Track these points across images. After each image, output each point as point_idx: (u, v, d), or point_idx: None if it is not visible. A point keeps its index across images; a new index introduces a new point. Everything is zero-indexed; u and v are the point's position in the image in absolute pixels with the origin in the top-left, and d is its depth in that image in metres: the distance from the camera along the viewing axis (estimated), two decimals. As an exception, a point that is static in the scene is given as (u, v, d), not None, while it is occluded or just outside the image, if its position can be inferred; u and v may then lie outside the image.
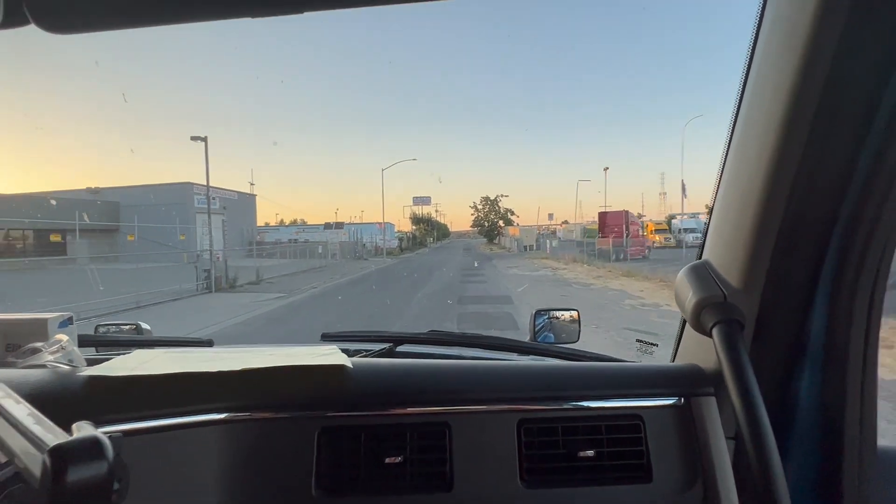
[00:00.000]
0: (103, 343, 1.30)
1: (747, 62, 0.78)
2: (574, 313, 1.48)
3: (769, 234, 0.77)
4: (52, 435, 0.41)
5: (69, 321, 1.02)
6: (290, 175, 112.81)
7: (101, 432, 0.41)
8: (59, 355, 0.90)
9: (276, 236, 37.02)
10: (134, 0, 0.49)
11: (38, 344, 0.92)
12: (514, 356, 1.27)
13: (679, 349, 1.04)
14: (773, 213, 0.76)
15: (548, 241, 33.00)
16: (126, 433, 0.73)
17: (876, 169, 0.70)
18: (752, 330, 0.84)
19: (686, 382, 0.92)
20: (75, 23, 0.50)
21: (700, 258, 0.92)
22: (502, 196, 74.21)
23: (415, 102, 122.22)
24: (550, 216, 32.67)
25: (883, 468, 0.81)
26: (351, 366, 0.90)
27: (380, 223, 39.80)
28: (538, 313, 1.47)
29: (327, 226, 38.96)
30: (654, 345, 1.59)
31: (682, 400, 0.90)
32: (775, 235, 0.77)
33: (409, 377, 0.92)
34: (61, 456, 0.38)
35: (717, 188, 0.88)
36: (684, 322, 0.98)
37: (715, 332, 0.78)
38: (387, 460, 0.84)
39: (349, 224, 44.03)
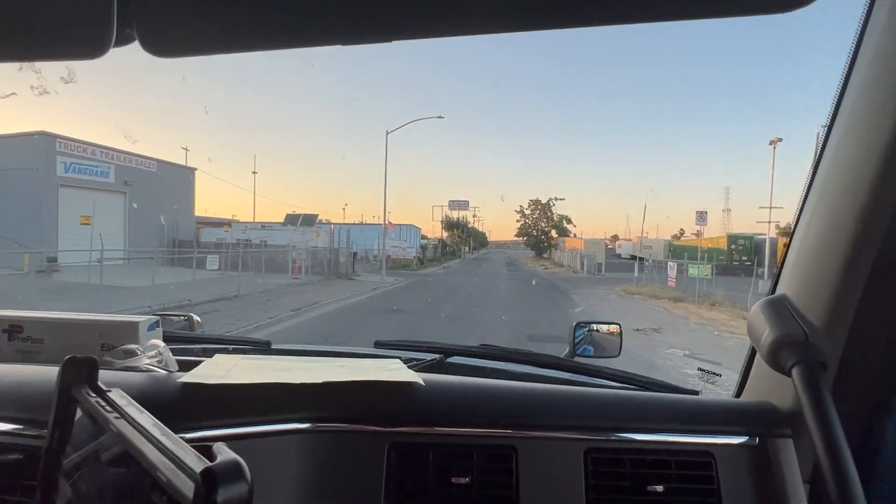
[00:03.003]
0: (170, 339, 1.20)
1: (841, 84, 0.75)
2: (615, 327, 1.45)
3: (860, 271, 0.74)
4: (190, 455, 0.44)
5: (156, 325, 1.06)
6: (317, 176, 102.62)
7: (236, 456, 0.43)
8: (156, 360, 0.93)
9: (221, 234, 24.57)
10: (236, 26, 0.50)
11: (133, 346, 0.95)
12: (569, 375, 1.21)
13: (747, 383, 1.00)
14: (867, 249, 0.72)
15: (666, 263, 19.15)
16: (222, 438, 0.74)
17: None
18: (834, 371, 0.80)
19: (760, 421, 0.89)
20: (179, 47, 0.51)
21: (773, 292, 0.88)
22: (557, 199, 59.82)
23: (454, 96, 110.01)
24: (702, 216, 18.03)
25: None
26: (423, 382, 0.91)
27: (390, 223, 26.77)
28: (578, 325, 1.44)
29: (290, 220, 25.63)
30: (718, 375, 1.48)
31: (758, 440, 0.87)
32: (867, 273, 0.73)
33: (478, 397, 0.92)
34: (212, 480, 0.40)
35: (798, 217, 0.84)
36: (752, 355, 0.97)
37: (795, 372, 0.75)
38: (453, 479, 0.84)
39: (341, 224, 31.07)
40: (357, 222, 37.75)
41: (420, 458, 0.84)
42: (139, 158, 22.04)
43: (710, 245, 33.33)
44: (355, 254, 22.59)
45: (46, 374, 0.84)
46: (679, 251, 33.41)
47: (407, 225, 39.86)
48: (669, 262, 19.09)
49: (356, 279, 20.49)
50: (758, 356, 0.93)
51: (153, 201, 21.10)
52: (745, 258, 29.96)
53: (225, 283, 13.84)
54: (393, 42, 0.49)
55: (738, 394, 1.01)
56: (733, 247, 30.81)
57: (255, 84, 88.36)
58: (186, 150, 27.40)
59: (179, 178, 24.23)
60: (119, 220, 20.36)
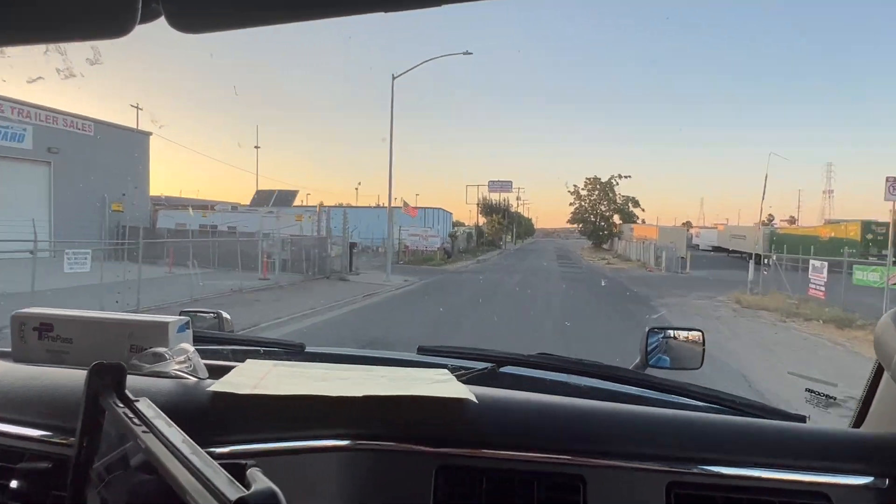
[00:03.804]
0: (198, 339, 1.18)
1: None
2: (696, 334, 1.28)
3: None
4: (222, 478, 0.43)
5: (187, 326, 1.02)
6: (331, 155, 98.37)
7: (271, 485, 0.41)
8: (185, 366, 0.90)
9: (186, 219, 19.65)
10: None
11: (162, 350, 0.93)
12: (643, 392, 1.08)
13: (871, 411, 0.89)
14: None
15: (807, 262, 12.39)
16: (255, 454, 0.74)
17: None
18: None
19: (890, 459, 0.78)
20: (207, 22, 0.49)
21: None
22: (621, 177, 48.66)
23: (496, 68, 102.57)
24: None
25: None
26: (475, 399, 0.83)
27: (407, 206, 21.13)
28: (651, 331, 1.28)
29: (260, 199, 19.70)
30: (832, 398, 1.30)
31: (888, 482, 0.77)
32: None
33: (539, 416, 0.84)
34: None
35: None
36: (878, 378, 0.87)
37: None
38: None
39: (335, 207, 25.37)
40: (374, 205, 31.87)
41: (472, 485, 0.77)
42: (69, 118, 16.99)
43: (830, 233, 25.48)
44: (354, 244, 17.09)
45: (75, 378, 0.81)
46: (787, 241, 25.07)
47: (434, 208, 33.93)
48: (814, 261, 12.35)
49: (351, 279, 15.02)
50: (885, 378, 0.84)
51: (90, 175, 16.27)
52: (883, 251, 22.32)
53: (142, 288, 9.01)
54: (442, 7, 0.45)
55: (858, 423, 0.91)
56: (869, 236, 22.96)
57: (263, 54, 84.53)
58: (138, 107, 20.01)
59: (128, 146, 18.82)
60: (43, 200, 15.77)
